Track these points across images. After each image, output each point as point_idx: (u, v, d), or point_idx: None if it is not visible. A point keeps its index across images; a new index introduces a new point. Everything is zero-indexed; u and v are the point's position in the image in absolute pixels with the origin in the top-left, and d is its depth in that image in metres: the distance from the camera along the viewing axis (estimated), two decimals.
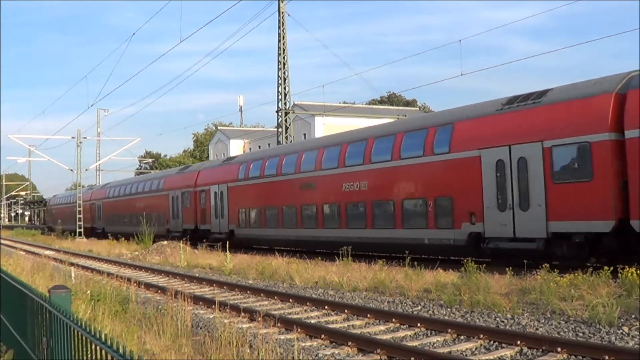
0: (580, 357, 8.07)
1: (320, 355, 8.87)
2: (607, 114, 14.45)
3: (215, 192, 31.26)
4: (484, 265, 14.63)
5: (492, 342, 9.15)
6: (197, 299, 13.80)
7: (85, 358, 3.64)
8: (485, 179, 16.93)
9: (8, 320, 6.91)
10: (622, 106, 14.34)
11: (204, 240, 30.51)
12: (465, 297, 12.37)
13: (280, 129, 38.98)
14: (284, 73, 37.98)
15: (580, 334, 9.50)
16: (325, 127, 58.10)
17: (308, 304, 13.38)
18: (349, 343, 9.26)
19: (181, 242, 28.92)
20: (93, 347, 3.45)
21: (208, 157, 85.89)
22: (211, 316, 11.92)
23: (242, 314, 11.96)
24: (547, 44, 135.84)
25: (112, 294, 12.17)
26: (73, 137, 51.59)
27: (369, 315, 11.60)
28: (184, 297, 11.38)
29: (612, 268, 12.49)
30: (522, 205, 15.93)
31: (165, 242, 30.93)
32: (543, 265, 13.23)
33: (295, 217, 25.13)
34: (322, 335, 9.87)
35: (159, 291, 16.09)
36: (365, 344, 9.13)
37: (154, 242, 31.85)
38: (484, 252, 17.00)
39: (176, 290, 12.88)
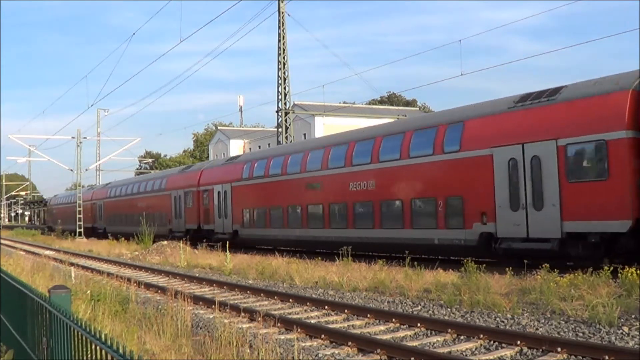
0: (580, 357, 8.07)
1: (320, 355, 8.87)
2: (624, 111, 14.12)
3: (219, 192, 31.01)
4: (484, 265, 14.62)
5: (492, 342, 9.15)
6: (197, 299, 13.80)
7: (85, 358, 3.64)
8: (498, 178, 16.62)
9: (8, 320, 6.91)
10: (639, 103, 14.10)
11: (204, 240, 30.44)
12: (465, 297, 12.37)
13: (280, 129, 38.98)
14: (284, 73, 37.98)
15: (580, 334, 9.49)
16: (325, 127, 58.10)
17: (308, 304, 13.38)
18: (349, 343, 9.25)
19: (181, 242, 28.85)
20: (93, 347, 3.45)
21: (208, 157, 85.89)
22: (211, 316, 11.92)
23: (242, 314, 11.96)
24: (547, 44, 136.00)
25: (112, 294, 12.17)
26: (73, 137, 51.66)
27: (369, 315, 11.59)
28: (184, 297, 11.38)
29: (612, 268, 12.48)
30: (536, 204, 15.63)
31: (165, 242, 30.87)
32: (543, 265, 13.22)
33: (300, 217, 24.86)
34: (322, 335, 9.86)
35: (159, 291, 16.09)
36: (365, 344, 9.12)
37: (155, 242, 31.81)
38: (496, 252, 16.72)
39: (176, 290, 12.89)
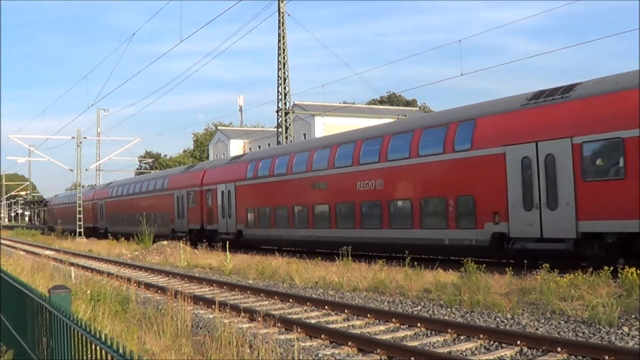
0: (580, 357, 8.07)
1: (320, 355, 8.87)
2: None
3: (223, 192, 30.68)
4: (484, 265, 14.61)
5: (492, 342, 9.15)
6: (197, 299, 13.80)
7: (85, 358, 3.64)
8: (510, 177, 16.30)
9: (8, 320, 6.91)
10: None
11: (204, 240, 30.36)
12: (465, 297, 12.37)
13: (280, 129, 38.99)
14: (284, 73, 37.98)
15: (580, 334, 9.49)
16: (325, 127, 58.11)
17: (308, 304, 13.38)
18: (349, 343, 9.25)
19: (181, 242, 28.76)
20: (93, 347, 3.45)
21: (208, 157, 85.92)
22: (211, 316, 11.92)
23: (242, 314, 11.96)
24: (547, 44, 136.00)
25: (112, 294, 12.17)
26: (73, 137, 51.67)
27: (369, 315, 11.59)
28: (184, 297, 11.38)
29: (612, 268, 12.47)
30: (550, 204, 15.33)
31: (165, 242, 30.83)
32: (543, 265, 13.21)
33: (306, 217, 24.56)
34: (322, 335, 9.86)
35: (159, 291, 16.09)
36: (365, 344, 9.13)
37: (155, 242, 31.77)
38: (509, 253, 16.39)
39: (176, 290, 12.88)
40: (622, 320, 9.94)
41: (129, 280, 15.82)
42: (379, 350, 8.69)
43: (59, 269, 20.23)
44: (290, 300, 13.99)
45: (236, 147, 75.68)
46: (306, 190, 24.59)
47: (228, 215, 30.14)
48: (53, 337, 4.52)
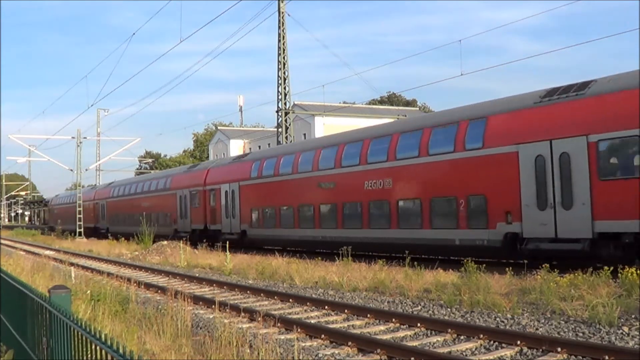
0: (580, 357, 8.07)
1: (320, 355, 8.87)
2: None
3: (226, 191, 30.44)
4: (484, 265, 14.61)
5: (492, 342, 9.15)
6: (197, 299, 13.80)
7: (85, 358, 3.64)
8: (524, 176, 16.00)
9: (8, 320, 6.91)
10: None
11: (204, 241, 30.33)
12: (465, 297, 12.37)
13: (280, 129, 38.99)
14: (284, 73, 37.99)
15: (580, 334, 9.49)
16: (325, 127, 58.12)
17: (308, 304, 13.38)
18: (349, 343, 9.25)
19: (181, 242, 28.73)
20: (93, 347, 3.45)
21: (208, 157, 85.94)
22: (211, 316, 11.92)
23: (242, 314, 11.96)
24: (547, 44, 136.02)
25: (112, 294, 12.17)
26: (73, 137, 51.68)
27: (369, 315, 11.59)
28: (184, 297, 11.38)
29: (612, 268, 12.46)
30: (565, 203, 15.02)
31: (165, 242, 30.79)
32: (543, 265, 13.21)
33: (313, 217, 24.21)
34: (322, 335, 9.86)
35: (159, 291, 16.09)
36: (365, 344, 9.12)
37: (155, 242, 31.74)
38: (522, 253, 16.00)
39: (176, 290, 12.89)
40: (622, 320, 9.94)
41: (129, 280, 15.82)
42: (379, 350, 8.69)
43: (59, 269, 20.23)
44: (290, 300, 13.99)
45: (236, 147, 75.69)
46: (312, 189, 24.27)
47: (232, 215, 29.87)
48: (53, 337, 4.52)
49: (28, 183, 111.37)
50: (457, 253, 18.64)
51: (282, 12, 37.41)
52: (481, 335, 9.37)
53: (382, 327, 10.79)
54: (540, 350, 8.51)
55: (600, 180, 14.44)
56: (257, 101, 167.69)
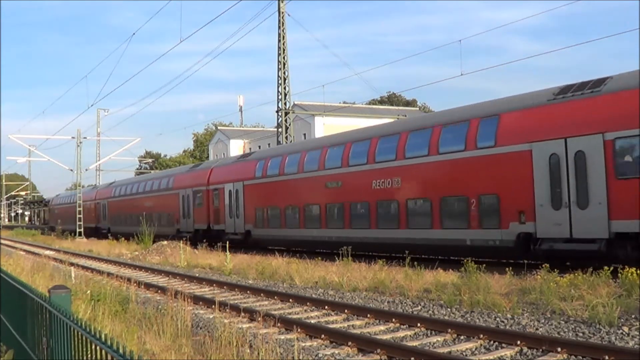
0: (580, 357, 8.07)
1: (320, 355, 8.87)
2: None
3: (230, 191, 30.15)
4: (484, 265, 14.60)
5: (492, 342, 9.15)
6: (197, 299, 13.80)
7: (85, 358, 3.64)
8: (537, 175, 15.67)
9: (8, 320, 6.91)
10: None
11: (204, 240, 30.30)
12: (465, 297, 12.37)
13: (280, 129, 38.99)
14: (284, 73, 37.99)
15: (580, 334, 9.50)
16: (325, 127, 58.13)
17: (308, 304, 13.38)
18: (349, 343, 9.25)
19: (181, 242, 28.69)
20: (93, 347, 3.45)
21: (208, 157, 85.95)
22: (211, 316, 11.92)
23: (242, 314, 11.96)
24: (547, 44, 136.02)
25: (112, 294, 12.17)
26: (73, 137, 51.67)
27: (369, 315, 11.59)
28: (184, 297, 11.37)
29: (612, 268, 12.45)
30: (580, 203, 14.70)
31: (165, 242, 30.77)
32: (543, 265, 13.20)
33: (319, 217, 23.85)
34: (322, 335, 9.86)
35: (159, 291, 16.09)
36: (365, 344, 9.12)
37: (155, 242, 31.72)
38: (536, 254, 15.65)
39: (176, 290, 12.89)
40: (622, 320, 9.95)
41: (129, 280, 15.83)
42: (379, 350, 8.69)
43: (59, 269, 20.23)
44: (290, 300, 13.99)
45: (236, 147, 75.69)
46: (318, 189, 23.95)
47: (236, 215, 29.58)
48: (53, 337, 4.52)
49: (28, 183, 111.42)
50: (468, 253, 18.14)
51: (282, 12, 37.41)
52: (481, 335, 9.37)
53: (382, 327, 10.79)
54: (540, 350, 8.51)
55: (617, 179, 14.15)
56: (257, 101, 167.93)
